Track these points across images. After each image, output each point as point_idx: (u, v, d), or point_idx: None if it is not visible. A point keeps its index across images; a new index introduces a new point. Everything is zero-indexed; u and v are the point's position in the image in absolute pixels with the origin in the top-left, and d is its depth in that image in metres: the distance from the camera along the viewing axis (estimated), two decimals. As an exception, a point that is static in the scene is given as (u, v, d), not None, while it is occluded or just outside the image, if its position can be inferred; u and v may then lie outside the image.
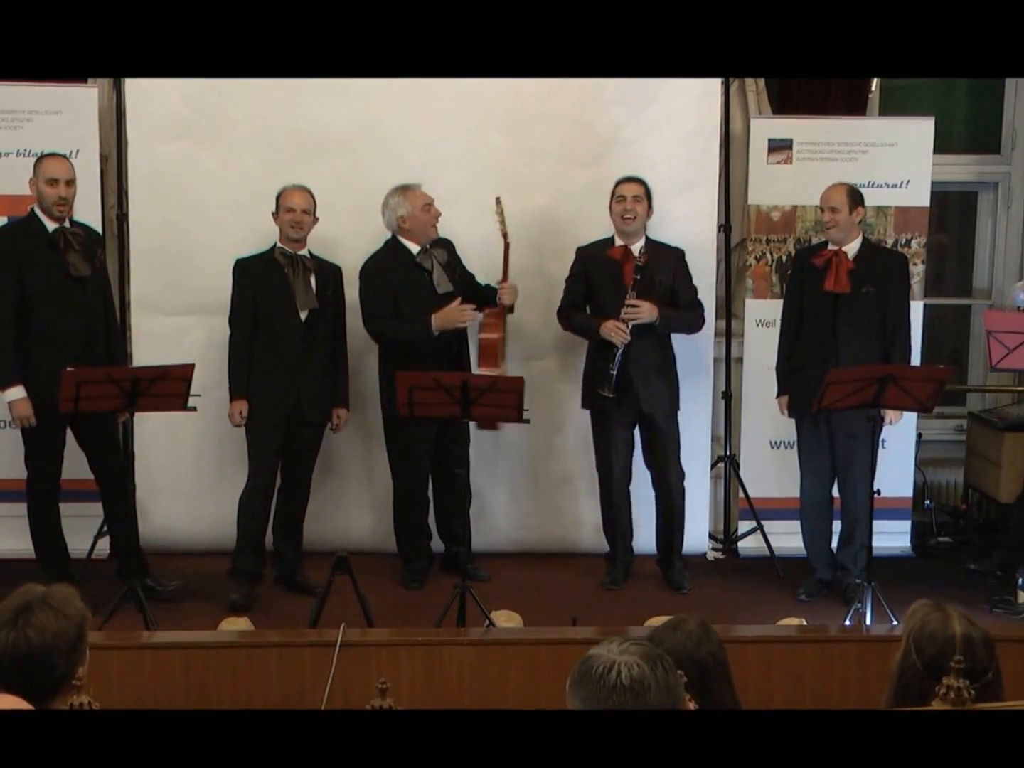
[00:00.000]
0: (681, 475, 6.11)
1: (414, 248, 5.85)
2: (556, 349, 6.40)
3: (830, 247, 5.87)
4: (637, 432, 6.11)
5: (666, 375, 6.01)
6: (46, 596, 2.63)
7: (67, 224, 5.49)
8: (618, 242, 5.97)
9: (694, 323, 6.08)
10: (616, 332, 5.81)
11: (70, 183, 5.47)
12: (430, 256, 5.86)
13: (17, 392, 5.38)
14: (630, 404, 5.92)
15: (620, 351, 5.82)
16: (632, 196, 5.88)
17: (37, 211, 5.47)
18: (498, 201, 5.98)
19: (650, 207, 5.94)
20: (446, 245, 5.99)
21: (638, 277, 5.83)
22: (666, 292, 5.96)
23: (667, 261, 5.97)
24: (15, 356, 5.40)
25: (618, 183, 5.94)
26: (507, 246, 5.96)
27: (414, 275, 5.84)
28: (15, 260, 5.40)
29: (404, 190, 5.84)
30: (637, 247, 5.92)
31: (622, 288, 5.87)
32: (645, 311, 5.82)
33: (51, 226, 5.44)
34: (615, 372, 5.81)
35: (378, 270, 5.87)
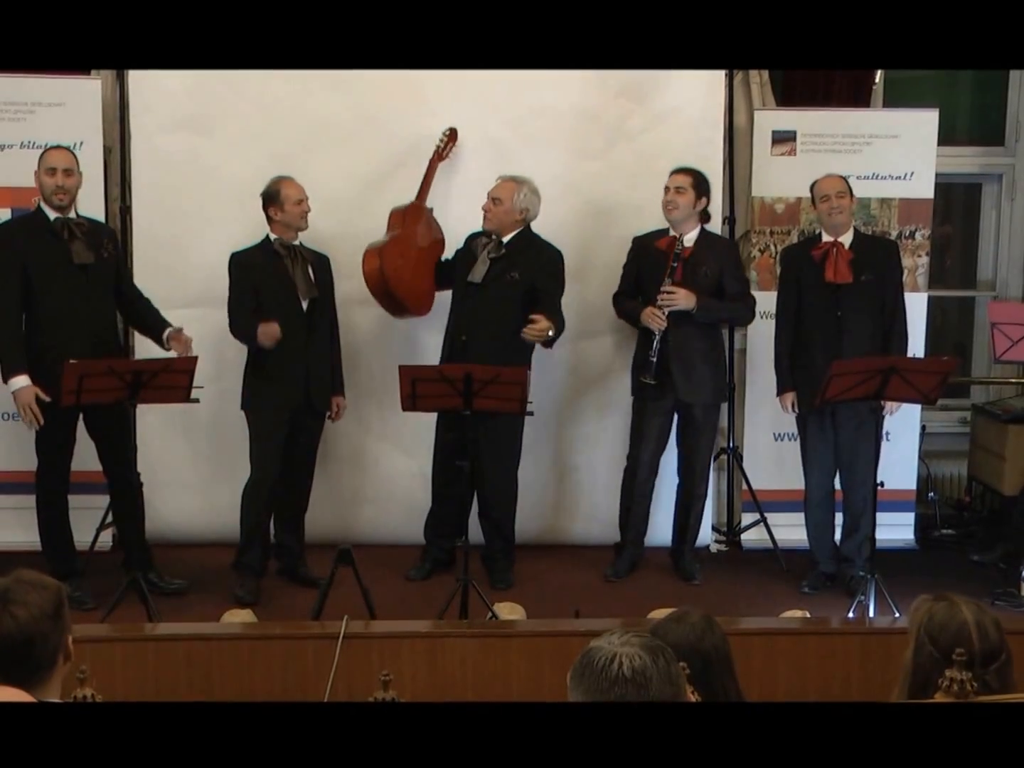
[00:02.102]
0: (708, 466, 6.12)
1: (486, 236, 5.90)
2: (564, 343, 6.40)
3: (825, 239, 5.88)
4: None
5: (711, 365, 5.99)
6: (18, 577, 2.66)
7: (73, 215, 5.49)
8: (671, 232, 5.97)
9: (739, 315, 6.11)
10: (652, 318, 5.82)
11: (68, 172, 5.45)
12: (486, 245, 5.85)
13: (22, 380, 5.37)
14: (669, 393, 5.92)
15: (658, 337, 5.82)
16: (675, 187, 5.88)
17: (42, 204, 5.48)
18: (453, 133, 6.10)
19: (700, 197, 5.89)
20: (520, 247, 5.86)
21: (674, 264, 5.84)
22: (712, 283, 5.94)
23: (715, 252, 5.96)
24: (20, 346, 5.40)
25: (670, 173, 5.94)
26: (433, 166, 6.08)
27: (467, 258, 5.90)
28: (19, 251, 5.40)
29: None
30: (690, 238, 5.93)
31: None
32: (681, 298, 5.82)
33: (54, 216, 5.45)
34: (655, 359, 5.83)
35: (466, 241, 5.99)
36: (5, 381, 5.42)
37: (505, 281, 5.80)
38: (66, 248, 5.42)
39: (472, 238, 5.96)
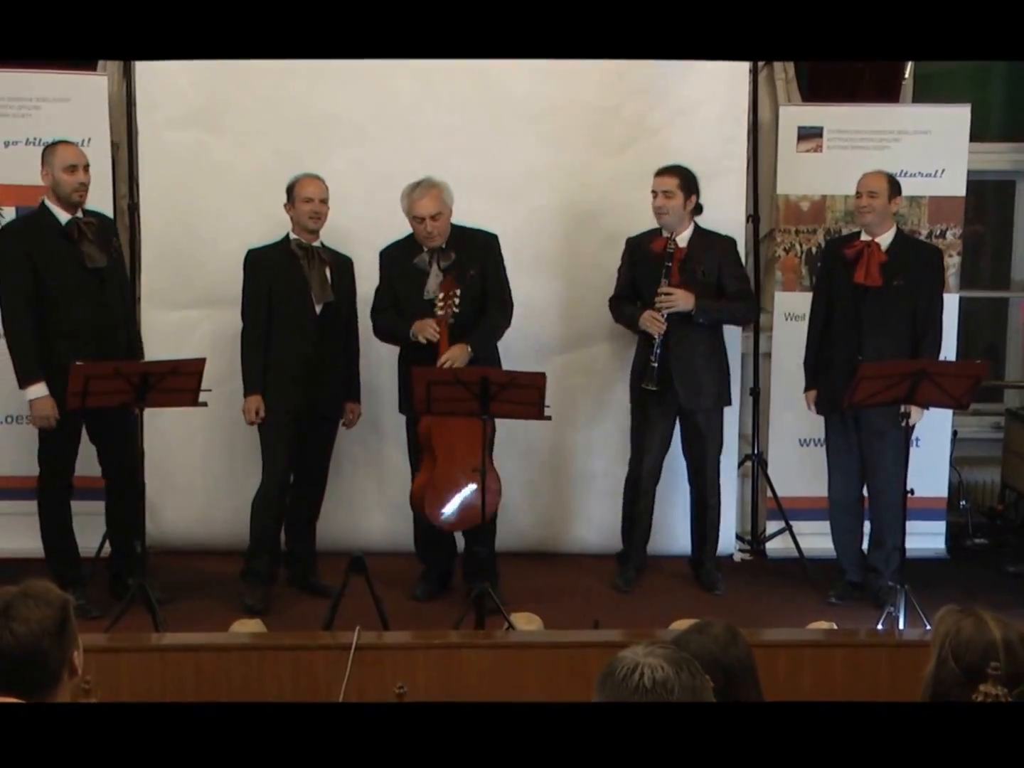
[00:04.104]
0: (717, 473, 6.10)
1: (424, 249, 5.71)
2: (573, 345, 6.39)
3: (863, 237, 5.84)
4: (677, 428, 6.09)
5: (712, 369, 5.97)
6: (24, 590, 2.66)
7: (80, 213, 5.49)
8: (665, 233, 5.95)
9: (740, 314, 6.06)
10: (652, 322, 5.81)
11: (87, 168, 5.46)
12: (433, 259, 5.69)
13: (39, 390, 5.36)
14: (670, 398, 5.91)
15: (659, 342, 5.81)
16: (662, 192, 5.84)
17: (48, 203, 5.45)
18: (450, 285, 5.58)
19: (690, 196, 5.86)
20: (460, 245, 5.71)
21: (669, 264, 5.81)
22: (711, 283, 5.93)
23: (712, 251, 5.94)
24: (34, 353, 5.39)
25: (655, 175, 5.90)
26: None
27: (412, 275, 5.72)
28: (28, 254, 5.38)
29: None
30: (684, 237, 5.90)
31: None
32: (679, 299, 5.80)
33: (64, 217, 5.43)
34: (656, 364, 5.81)
35: (389, 260, 5.84)
36: (21, 388, 5.42)
37: (463, 283, 5.65)
38: (77, 251, 5.41)
39: (393, 253, 5.78)
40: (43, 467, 5.56)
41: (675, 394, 5.89)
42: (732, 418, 6.52)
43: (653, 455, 6.03)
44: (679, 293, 5.81)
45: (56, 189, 5.42)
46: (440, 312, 5.52)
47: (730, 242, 6.05)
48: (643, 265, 5.97)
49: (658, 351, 5.81)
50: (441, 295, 5.54)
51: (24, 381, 5.41)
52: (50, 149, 5.48)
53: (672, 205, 5.84)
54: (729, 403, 6.08)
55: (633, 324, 5.97)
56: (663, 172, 5.88)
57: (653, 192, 5.86)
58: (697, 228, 5.95)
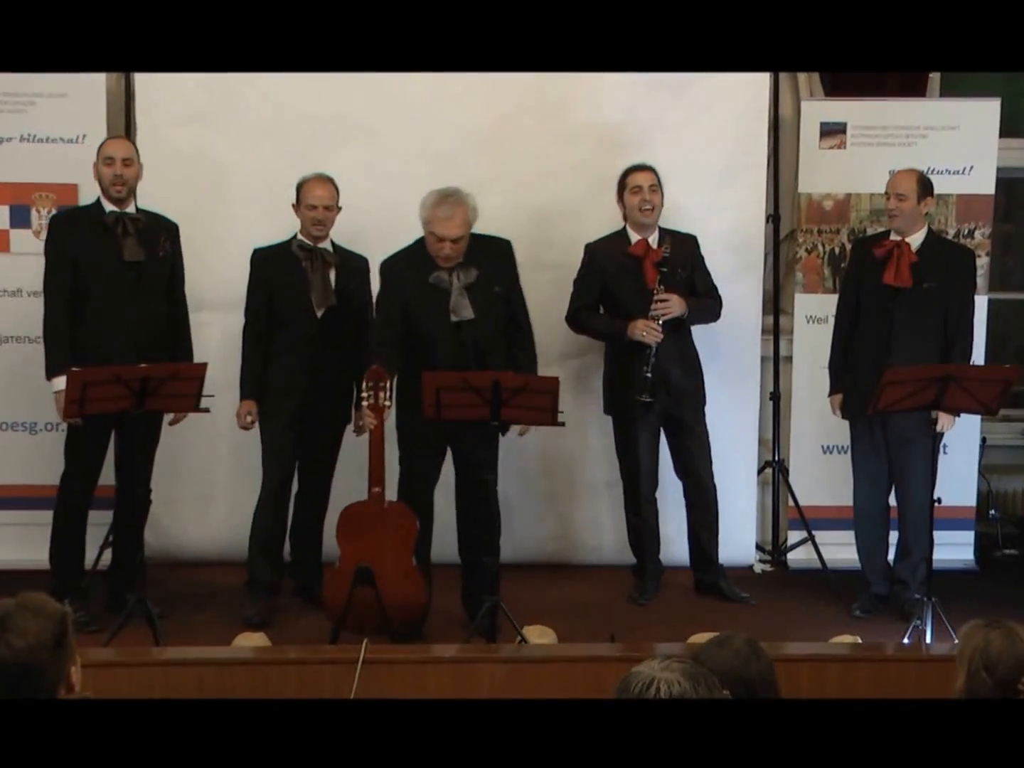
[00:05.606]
0: (713, 475, 6.09)
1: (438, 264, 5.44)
2: (577, 353, 6.38)
3: (892, 236, 5.82)
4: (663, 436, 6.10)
5: (690, 370, 5.99)
6: (21, 602, 2.68)
7: (132, 209, 5.54)
8: (635, 236, 5.93)
9: (715, 311, 6.07)
10: (649, 331, 5.78)
11: (127, 162, 5.51)
12: (452, 277, 5.43)
13: (63, 382, 5.39)
14: (656, 405, 5.89)
15: (654, 351, 5.78)
16: (649, 186, 5.84)
17: (101, 198, 5.55)
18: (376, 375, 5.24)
19: (662, 196, 5.90)
20: (477, 256, 5.47)
21: (664, 270, 5.80)
22: (688, 283, 5.94)
23: (684, 249, 5.95)
24: (66, 345, 5.43)
25: (629, 172, 5.89)
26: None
27: (429, 294, 5.43)
28: (70, 244, 5.48)
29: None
30: (653, 239, 5.90)
31: (645, 285, 5.83)
32: (675, 305, 5.80)
33: (109, 209, 5.50)
34: (651, 375, 5.79)
35: (395, 275, 5.49)
36: (48, 379, 5.46)
37: (491, 301, 5.50)
38: (117, 244, 5.47)
39: (400, 268, 5.46)
40: (66, 467, 5.57)
41: (660, 399, 5.87)
42: (751, 424, 6.54)
43: (647, 462, 6.03)
44: (674, 299, 5.80)
45: (99, 182, 5.52)
46: (367, 404, 5.23)
47: (694, 239, 6.05)
48: (617, 273, 5.93)
49: (653, 360, 5.79)
50: (368, 384, 5.20)
51: (50, 372, 5.45)
52: (100, 145, 5.59)
53: (658, 200, 5.87)
54: (706, 402, 6.07)
55: (613, 335, 5.94)
56: (645, 167, 5.88)
57: (636, 187, 5.85)
58: (661, 228, 5.96)
